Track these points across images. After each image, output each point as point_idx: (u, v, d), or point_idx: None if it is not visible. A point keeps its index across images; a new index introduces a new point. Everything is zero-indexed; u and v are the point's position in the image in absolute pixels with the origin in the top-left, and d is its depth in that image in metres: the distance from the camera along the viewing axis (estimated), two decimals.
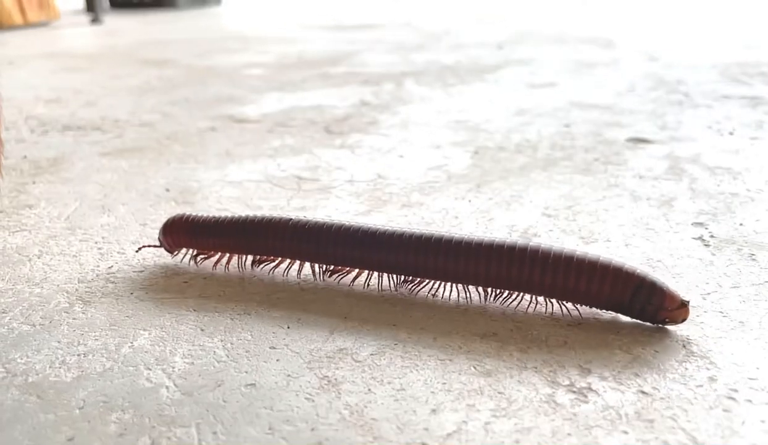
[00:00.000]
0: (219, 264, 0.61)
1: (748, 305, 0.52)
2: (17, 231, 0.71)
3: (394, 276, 0.55)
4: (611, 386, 0.42)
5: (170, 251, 0.62)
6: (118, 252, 0.65)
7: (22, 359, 0.48)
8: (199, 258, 0.61)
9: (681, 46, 1.95)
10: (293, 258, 0.58)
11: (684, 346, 0.46)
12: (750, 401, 0.41)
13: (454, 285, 0.54)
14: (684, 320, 0.48)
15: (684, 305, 0.47)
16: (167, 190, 0.83)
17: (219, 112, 1.26)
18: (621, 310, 0.49)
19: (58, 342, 0.49)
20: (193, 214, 0.62)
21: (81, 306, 0.55)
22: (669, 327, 0.49)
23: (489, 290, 0.52)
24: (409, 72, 1.63)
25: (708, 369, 0.44)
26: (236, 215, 0.60)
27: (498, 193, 0.79)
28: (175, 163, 0.94)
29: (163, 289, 0.57)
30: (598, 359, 0.45)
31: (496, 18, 2.98)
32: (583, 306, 0.51)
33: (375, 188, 0.82)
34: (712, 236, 0.64)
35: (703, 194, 0.76)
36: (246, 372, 0.45)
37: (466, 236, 0.52)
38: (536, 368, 0.45)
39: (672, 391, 0.42)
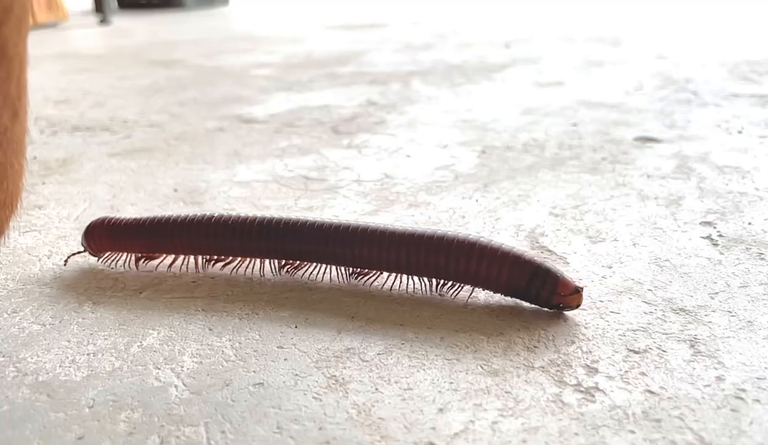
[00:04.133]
0: (140, 264, 0.61)
1: (757, 304, 0.51)
2: (27, 231, 0.71)
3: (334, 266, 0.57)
4: (618, 385, 0.42)
5: (95, 255, 0.62)
6: None
7: (32, 358, 0.48)
8: (120, 260, 0.62)
9: (689, 44, 1.94)
10: (218, 254, 0.60)
11: (692, 345, 0.46)
12: (758, 400, 0.41)
13: (378, 272, 0.56)
14: (578, 305, 0.50)
15: (578, 291, 0.50)
16: (176, 190, 0.84)
17: (227, 112, 1.27)
18: (519, 295, 0.51)
19: (68, 341, 0.50)
20: (114, 216, 0.62)
21: (90, 306, 0.55)
22: (566, 312, 0.51)
23: (400, 275, 0.55)
24: (416, 71, 1.63)
25: (716, 369, 0.44)
26: (155, 216, 0.61)
27: (505, 192, 0.79)
28: (183, 164, 0.94)
29: (171, 289, 0.58)
30: (605, 358, 0.45)
31: (503, 17, 2.97)
32: (486, 291, 0.53)
33: (382, 188, 0.82)
34: (720, 236, 0.64)
35: (711, 193, 0.75)
36: (254, 371, 0.45)
37: (380, 226, 0.55)
38: (543, 367, 0.45)
39: (679, 390, 0.42)
